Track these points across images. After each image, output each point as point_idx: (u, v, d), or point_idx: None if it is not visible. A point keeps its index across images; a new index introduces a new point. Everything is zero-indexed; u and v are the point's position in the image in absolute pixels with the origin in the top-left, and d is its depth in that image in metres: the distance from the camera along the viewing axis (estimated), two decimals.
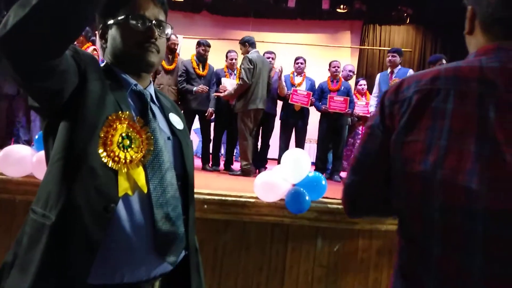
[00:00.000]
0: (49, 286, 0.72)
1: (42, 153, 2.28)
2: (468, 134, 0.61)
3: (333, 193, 2.40)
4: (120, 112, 0.80)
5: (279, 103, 4.39)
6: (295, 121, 4.18)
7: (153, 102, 0.93)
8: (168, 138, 0.90)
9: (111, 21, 0.88)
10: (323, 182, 2.33)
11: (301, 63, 4.34)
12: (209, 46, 4.18)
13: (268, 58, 4.40)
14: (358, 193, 0.78)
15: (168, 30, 0.93)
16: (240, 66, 3.83)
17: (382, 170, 0.72)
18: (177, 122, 0.95)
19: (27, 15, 0.59)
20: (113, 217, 0.76)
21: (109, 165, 0.76)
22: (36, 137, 2.44)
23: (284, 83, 4.24)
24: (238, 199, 2.29)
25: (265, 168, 4.21)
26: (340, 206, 2.30)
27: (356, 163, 0.77)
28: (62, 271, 0.72)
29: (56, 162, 0.76)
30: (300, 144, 4.13)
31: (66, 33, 0.65)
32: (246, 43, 3.92)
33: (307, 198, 2.23)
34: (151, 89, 0.94)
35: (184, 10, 7.56)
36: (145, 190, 0.80)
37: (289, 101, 4.10)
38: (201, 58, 4.17)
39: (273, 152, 4.43)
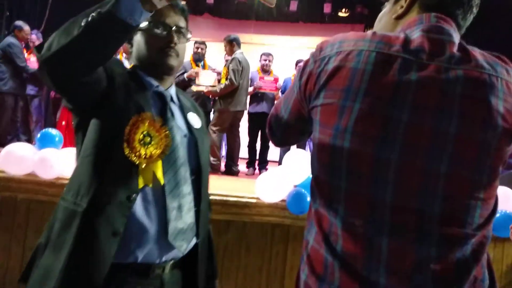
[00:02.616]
0: (79, 265, 0.82)
1: (44, 151, 2.29)
2: (382, 99, 0.61)
3: None
4: (141, 113, 0.88)
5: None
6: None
7: (173, 102, 1.01)
8: (185, 136, 0.98)
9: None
10: None
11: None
12: (204, 44, 4.20)
13: (266, 60, 4.42)
14: (280, 140, 0.90)
15: (188, 35, 1.00)
16: (228, 67, 3.78)
17: (296, 128, 0.81)
18: (195, 121, 1.03)
19: (68, 44, 0.70)
20: (133, 205, 0.86)
21: (132, 160, 0.85)
22: (39, 135, 2.44)
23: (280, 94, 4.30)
24: (239, 199, 2.29)
25: (266, 169, 4.21)
26: None
27: (277, 114, 0.84)
28: (90, 252, 0.82)
29: (87, 157, 0.87)
30: (302, 145, 4.13)
31: (98, 60, 0.78)
32: (234, 42, 3.85)
33: (308, 199, 2.23)
34: (172, 90, 1.02)
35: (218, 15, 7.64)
36: (162, 182, 0.89)
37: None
38: (198, 57, 4.18)
39: (273, 154, 4.43)
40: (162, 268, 0.92)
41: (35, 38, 4.52)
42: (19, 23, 4.26)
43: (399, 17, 0.72)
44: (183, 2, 1.03)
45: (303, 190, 2.25)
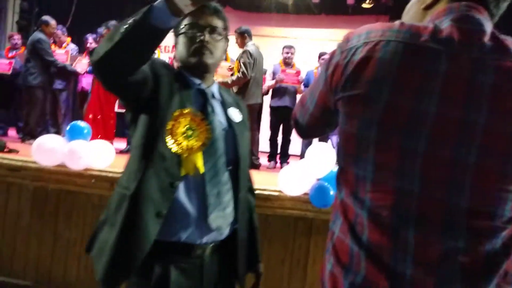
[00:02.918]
0: (127, 241, 0.94)
1: (73, 143, 2.37)
2: (410, 90, 0.60)
3: None
4: (183, 108, 0.98)
5: (299, 97, 4.37)
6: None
7: (214, 98, 1.09)
8: (224, 129, 1.05)
9: (177, 32, 1.07)
10: None
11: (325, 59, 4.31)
12: None
13: (288, 52, 4.36)
14: (306, 132, 0.91)
15: (222, 34, 1.07)
16: (239, 60, 3.71)
17: (322, 120, 0.80)
18: (235, 115, 1.10)
19: (111, 48, 0.81)
20: (176, 191, 0.96)
21: (175, 151, 0.95)
22: (68, 128, 2.52)
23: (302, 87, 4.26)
24: (261, 192, 2.30)
25: (287, 163, 4.20)
26: None
27: (302, 106, 0.84)
28: (137, 230, 0.94)
29: (136, 148, 0.99)
30: (324, 139, 4.09)
31: (137, 62, 0.87)
32: (245, 34, 3.76)
33: (331, 192, 2.21)
34: (213, 87, 1.10)
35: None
36: (202, 171, 0.98)
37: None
38: None
39: (294, 147, 4.41)
40: (202, 249, 1.01)
41: (60, 33, 4.62)
42: (46, 18, 4.35)
43: (428, 7, 0.70)
44: (214, 3, 1.07)
45: (326, 184, 2.23)
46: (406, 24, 0.64)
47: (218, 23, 1.06)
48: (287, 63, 4.35)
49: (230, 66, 3.85)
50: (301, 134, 0.94)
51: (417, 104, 0.59)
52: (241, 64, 3.63)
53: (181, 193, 0.97)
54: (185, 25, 1.04)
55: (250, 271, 1.18)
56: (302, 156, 4.21)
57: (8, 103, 4.68)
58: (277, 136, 4.33)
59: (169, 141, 0.96)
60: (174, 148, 0.95)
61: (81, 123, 2.53)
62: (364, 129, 0.63)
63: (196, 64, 1.04)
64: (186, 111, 0.98)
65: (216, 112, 1.07)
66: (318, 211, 2.29)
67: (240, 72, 3.63)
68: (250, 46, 3.71)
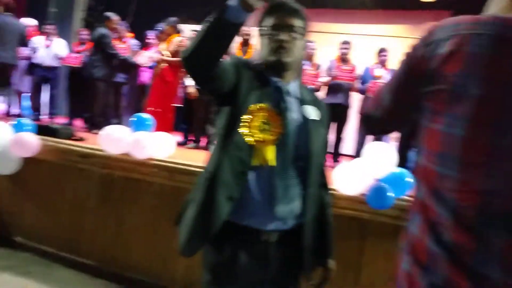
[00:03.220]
0: (204, 217, 1.06)
1: (138, 133, 2.50)
2: (502, 84, 0.56)
3: None
4: (260, 103, 1.05)
5: (353, 94, 4.27)
6: None
7: (291, 95, 1.12)
8: (298, 125, 1.09)
9: (260, 33, 1.14)
10: (408, 179, 2.22)
11: (385, 55, 4.16)
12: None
13: (344, 48, 4.27)
14: (379, 129, 0.88)
15: (300, 33, 1.09)
16: None
17: (399, 116, 0.78)
18: (311, 112, 1.13)
19: (197, 44, 0.94)
20: (247, 179, 1.05)
21: (249, 142, 1.04)
22: (134, 119, 2.66)
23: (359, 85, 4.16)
24: None
25: (338, 162, 4.12)
26: None
27: (377, 100, 0.81)
28: (211, 209, 1.05)
29: (218, 136, 1.10)
30: (379, 139, 3.96)
31: (218, 53, 0.97)
32: None
33: (390, 194, 2.14)
34: (292, 85, 1.14)
35: None
36: (273, 164, 1.04)
37: (368, 94, 3.95)
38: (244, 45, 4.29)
39: (346, 147, 4.31)
40: (268, 235, 1.08)
41: (123, 29, 4.89)
42: (108, 14, 4.62)
43: None
44: (293, 2, 1.11)
45: (384, 185, 2.17)
46: (496, 16, 0.62)
47: (296, 22, 1.09)
48: (343, 59, 4.26)
49: None
50: (371, 129, 0.93)
51: (509, 99, 0.56)
52: None
53: (252, 181, 1.05)
54: (266, 26, 1.10)
55: (319, 266, 1.22)
56: (356, 155, 4.12)
57: (76, 95, 5.04)
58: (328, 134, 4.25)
59: (245, 132, 1.04)
60: (249, 139, 1.03)
61: (145, 115, 2.67)
62: (450, 126, 0.61)
63: (274, 63, 1.09)
64: (262, 106, 1.05)
65: (291, 108, 1.11)
66: (374, 213, 2.23)
67: None
68: None
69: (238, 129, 1.05)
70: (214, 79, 1.01)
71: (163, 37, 4.37)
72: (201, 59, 0.97)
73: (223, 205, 1.04)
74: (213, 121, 1.18)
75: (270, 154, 1.04)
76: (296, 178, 1.08)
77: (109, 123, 4.71)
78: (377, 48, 4.36)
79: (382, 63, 4.20)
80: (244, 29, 4.29)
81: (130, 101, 4.83)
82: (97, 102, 4.43)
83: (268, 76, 1.12)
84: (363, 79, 4.19)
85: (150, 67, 4.85)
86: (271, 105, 1.07)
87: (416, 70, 0.67)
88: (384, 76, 4.10)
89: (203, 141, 4.07)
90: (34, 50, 5.08)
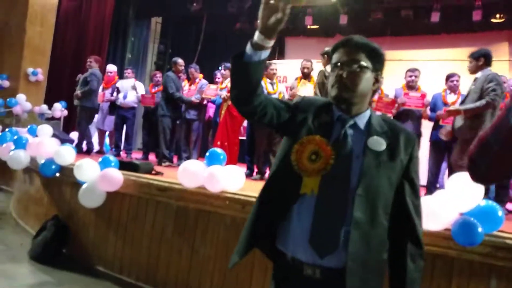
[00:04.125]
0: (256, 235, 1.15)
1: (212, 168, 2.62)
2: None
3: (510, 227, 2.06)
4: (311, 135, 1.09)
5: (425, 122, 4.07)
6: (448, 143, 3.78)
7: (356, 127, 1.13)
8: (357, 157, 1.08)
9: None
10: (500, 213, 2.03)
11: (456, 81, 3.95)
12: (310, 62, 4.43)
13: (411, 76, 4.15)
14: (484, 174, 0.80)
15: (355, 67, 1.10)
16: (316, 80, 3.83)
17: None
18: (375, 144, 1.10)
19: (231, 85, 1.10)
20: (291, 207, 1.08)
21: (297, 171, 1.07)
22: (207, 154, 2.79)
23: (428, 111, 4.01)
24: None
25: None
26: None
27: (482, 145, 0.76)
28: (260, 229, 1.14)
29: (274, 164, 1.18)
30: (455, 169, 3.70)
31: (249, 90, 1.06)
32: (326, 55, 3.90)
33: (479, 229, 1.97)
34: (359, 117, 1.14)
35: (318, 35, 7.82)
36: (315, 193, 1.06)
37: (440, 123, 3.75)
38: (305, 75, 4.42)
39: (422, 177, 4.07)
40: (312, 270, 1.06)
41: (194, 71, 5.28)
42: (175, 58, 5.13)
43: None
44: (357, 37, 1.13)
45: (472, 219, 2.00)
46: None
47: (356, 56, 1.10)
48: (410, 86, 4.13)
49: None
50: (478, 178, 0.84)
51: None
52: (316, 83, 3.83)
53: (296, 210, 1.08)
54: (332, 63, 1.16)
55: None
56: (429, 186, 3.87)
57: (150, 132, 5.46)
58: None
59: (294, 161, 1.08)
60: (296, 168, 1.07)
61: (218, 150, 2.79)
62: None
63: (335, 98, 1.13)
64: (314, 137, 1.08)
65: (349, 140, 1.10)
66: (462, 250, 2.05)
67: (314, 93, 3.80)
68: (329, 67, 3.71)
69: (289, 159, 1.08)
70: (256, 113, 1.10)
71: (227, 74, 4.65)
72: (238, 95, 1.09)
73: (268, 229, 1.12)
74: (275, 152, 1.26)
75: (313, 184, 1.06)
76: (338, 211, 1.05)
77: (179, 157, 5.04)
78: (446, 73, 4.17)
79: (453, 89, 3.99)
80: (304, 62, 4.41)
81: (199, 136, 5.11)
82: (162, 137, 4.78)
83: (333, 109, 1.15)
84: (433, 106, 4.00)
85: (213, 102, 5.14)
86: (327, 137, 1.08)
87: None
88: (457, 101, 3.88)
89: (267, 172, 4.12)
90: (116, 92, 5.66)
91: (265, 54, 1.03)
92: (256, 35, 1.01)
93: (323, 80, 3.73)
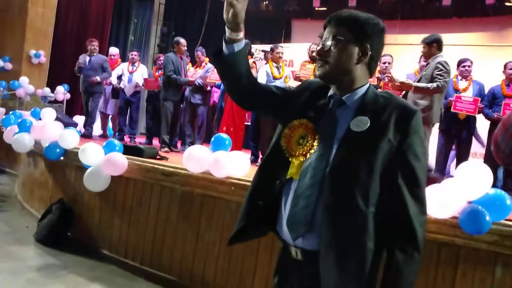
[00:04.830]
0: (250, 217, 1.13)
1: (217, 153, 2.59)
2: None
3: None
4: (301, 119, 1.08)
5: None
6: (458, 131, 3.73)
7: (345, 106, 1.07)
8: (337, 139, 1.03)
9: None
10: (508, 202, 2.00)
11: (468, 66, 3.86)
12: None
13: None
14: (508, 157, 0.83)
15: (329, 42, 1.04)
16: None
17: None
18: (357, 124, 1.02)
19: (221, 79, 1.21)
20: (279, 190, 1.08)
21: (285, 155, 1.08)
22: (212, 139, 2.77)
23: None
24: None
25: None
26: None
27: (506, 130, 0.77)
28: (248, 204, 1.14)
29: (268, 149, 1.16)
30: (463, 158, 3.66)
31: (233, 83, 1.15)
32: (321, 38, 3.81)
33: (487, 218, 1.94)
34: (351, 95, 1.07)
35: (326, 18, 7.64)
36: (296, 177, 1.05)
37: (452, 109, 3.68)
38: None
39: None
40: (295, 251, 1.06)
41: (200, 54, 5.18)
42: (177, 38, 4.96)
43: None
44: (341, 12, 1.06)
45: (480, 208, 1.97)
46: None
47: (336, 31, 1.03)
48: (464, 77, 3.96)
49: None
50: (502, 158, 0.85)
51: None
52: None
53: (283, 193, 1.09)
54: None
55: None
56: (436, 172, 3.84)
57: (155, 115, 5.42)
58: None
59: (283, 145, 1.09)
60: (285, 152, 1.08)
61: (224, 135, 2.76)
62: None
63: (318, 76, 1.11)
64: (302, 121, 1.08)
65: (334, 121, 1.06)
66: (468, 238, 2.03)
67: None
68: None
69: (279, 143, 1.09)
70: (248, 101, 1.18)
71: None
72: (227, 88, 1.18)
73: (252, 207, 1.12)
74: None
75: (295, 168, 1.05)
76: (309, 193, 1.01)
77: (183, 142, 5.01)
78: (457, 58, 4.07)
79: (465, 74, 3.90)
80: (313, 46, 4.32)
81: (204, 121, 5.06)
82: (164, 121, 4.70)
83: (330, 91, 1.12)
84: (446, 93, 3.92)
85: (218, 87, 5.06)
86: (318, 119, 1.07)
87: None
88: (468, 88, 3.81)
89: None
90: (119, 76, 5.60)
91: (238, 46, 1.08)
92: (226, 30, 1.08)
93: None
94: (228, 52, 1.08)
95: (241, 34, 1.07)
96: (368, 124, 0.99)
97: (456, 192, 2.05)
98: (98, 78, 5.15)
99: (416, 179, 1.00)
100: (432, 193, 2.10)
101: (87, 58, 5.32)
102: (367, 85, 1.08)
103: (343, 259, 0.97)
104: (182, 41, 4.87)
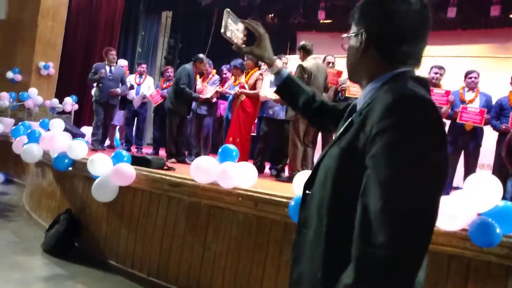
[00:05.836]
0: None
1: (225, 164, 2.60)
2: None
3: None
4: None
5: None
6: (465, 142, 3.72)
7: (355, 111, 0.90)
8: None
9: None
10: None
11: (475, 78, 3.86)
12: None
13: (436, 73, 4.00)
14: None
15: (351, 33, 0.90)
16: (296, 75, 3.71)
17: None
18: (339, 127, 0.91)
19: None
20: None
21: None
22: (220, 150, 2.78)
23: None
24: None
25: None
26: None
27: None
28: None
29: None
30: (471, 169, 3.64)
31: (300, 110, 1.22)
32: (302, 50, 3.91)
33: (498, 230, 1.93)
34: (359, 98, 0.90)
35: (331, 30, 7.72)
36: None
37: (458, 120, 3.68)
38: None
39: None
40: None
41: (208, 66, 5.23)
42: (201, 56, 4.73)
43: None
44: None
45: (490, 220, 1.96)
46: None
47: (352, 29, 0.90)
48: (434, 84, 4.01)
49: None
50: None
51: None
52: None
53: None
54: None
55: None
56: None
57: (162, 127, 5.46)
58: None
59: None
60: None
61: (231, 146, 2.78)
62: None
63: None
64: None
65: (340, 128, 0.90)
66: (478, 251, 2.01)
67: None
68: (307, 61, 3.79)
69: None
70: (319, 122, 1.22)
71: (238, 72, 4.61)
72: (299, 112, 1.24)
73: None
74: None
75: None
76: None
77: (189, 152, 5.03)
78: (462, 70, 4.08)
79: (471, 86, 3.91)
80: (329, 57, 4.45)
81: (210, 132, 5.09)
82: (169, 132, 4.64)
83: None
84: (453, 105, 3.91)
85: (225, 99, 5.10)
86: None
87: None
88: (475, 99, 3.81)
89: (286, 170, 4.08)
90: (128, 87, 5.66)
91: (278, 78, 1.19)
92: None
93: (302, 75, 3.63)
94: (279, 83, 1.19)
95: (277, 66, 1.18)
96: (343, 126, 0.87)
97: (466, 204, 2.04)
98: (119, 90, 5.02)
99: (375, 192, 0.71)
100: (441, 205, 2.09)
101: (108, 68, 5.03)
102: (385, 76, 0.83)
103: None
104: (206, 60, 4.74)
